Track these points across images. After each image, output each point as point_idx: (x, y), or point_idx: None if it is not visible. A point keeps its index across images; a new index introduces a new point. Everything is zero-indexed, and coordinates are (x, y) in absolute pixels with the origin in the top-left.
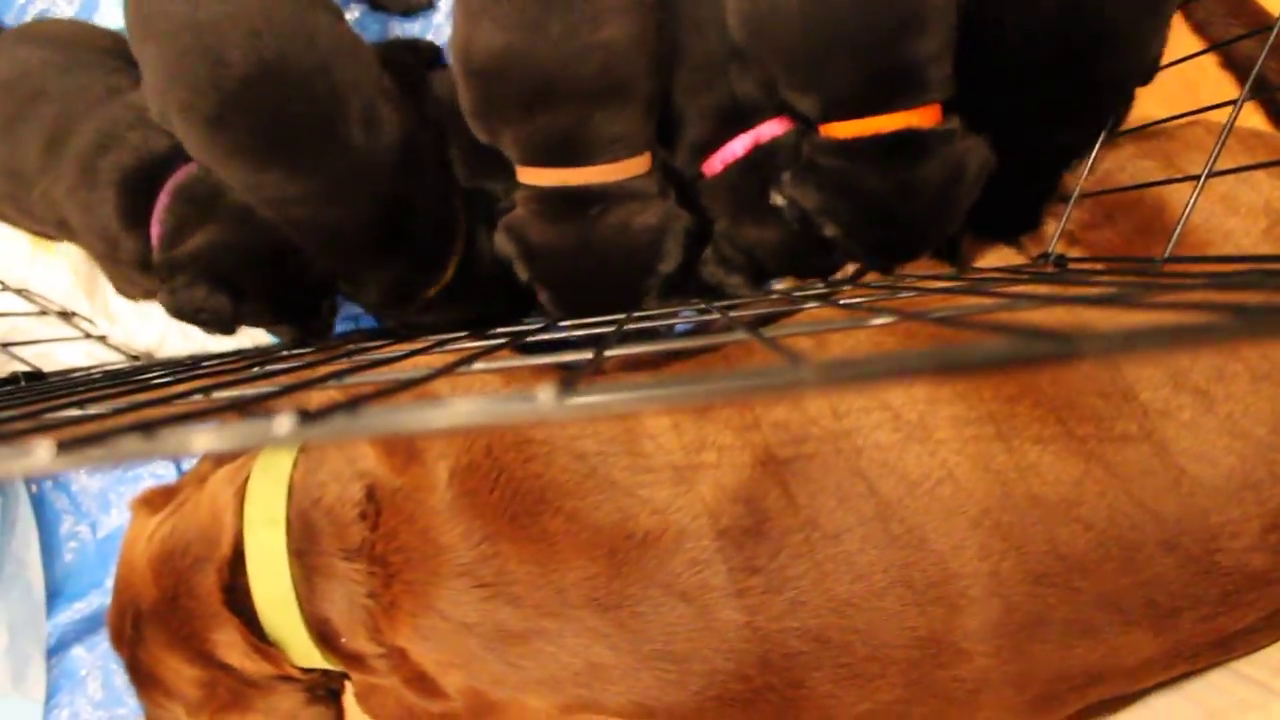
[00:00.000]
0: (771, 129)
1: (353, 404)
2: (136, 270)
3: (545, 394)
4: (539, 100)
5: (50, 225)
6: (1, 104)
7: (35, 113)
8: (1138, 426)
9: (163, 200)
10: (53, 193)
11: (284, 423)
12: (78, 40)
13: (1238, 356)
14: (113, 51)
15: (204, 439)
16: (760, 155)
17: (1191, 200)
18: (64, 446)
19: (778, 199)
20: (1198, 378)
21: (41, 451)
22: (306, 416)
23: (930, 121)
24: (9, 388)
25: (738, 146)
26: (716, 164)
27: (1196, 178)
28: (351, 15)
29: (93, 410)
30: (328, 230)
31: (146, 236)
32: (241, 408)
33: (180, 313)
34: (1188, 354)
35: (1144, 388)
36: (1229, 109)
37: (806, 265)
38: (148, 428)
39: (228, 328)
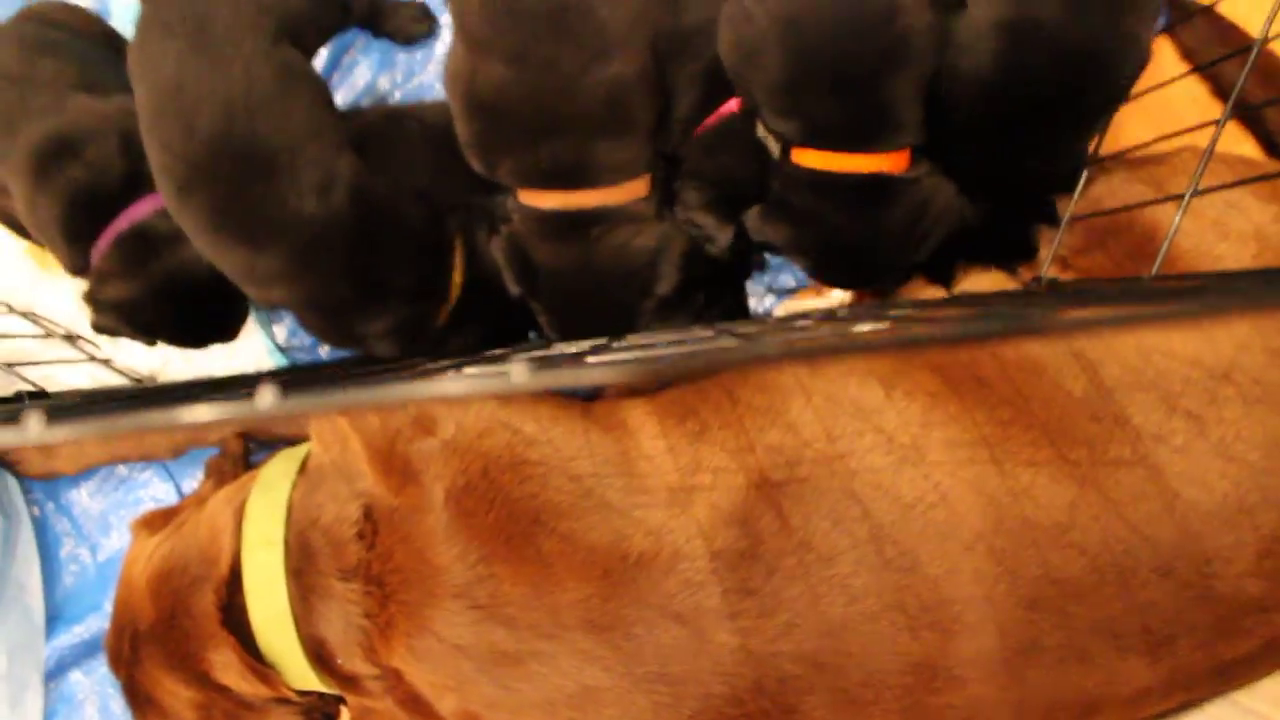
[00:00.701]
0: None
1: (334, 380)
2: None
3: (518, 369)
4: (543, 132)
5: None
6: None
7: None
8: (1131, 451)
9: (108, 238)
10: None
11: (266, 395)
12: (65, 24)
13: (1230, 380)
14: (101, 43)
15: (191, 413)
16: (754, 108)
17: (1177, 218)
18: (54, 417)
19: (763, 131)
20: (1190, 402)
21: (33, 422)
22: (288, 388)
23: (900, 167)
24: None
25: (731, 104)
26: (710, 121)
27: (1180, 197)
28: (355, 62)
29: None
30: (311, 303)
31: (86, 251)
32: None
33: (101, 332)
34: (1179, 377)
35: (1136, 412)
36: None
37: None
38: (140, 402)
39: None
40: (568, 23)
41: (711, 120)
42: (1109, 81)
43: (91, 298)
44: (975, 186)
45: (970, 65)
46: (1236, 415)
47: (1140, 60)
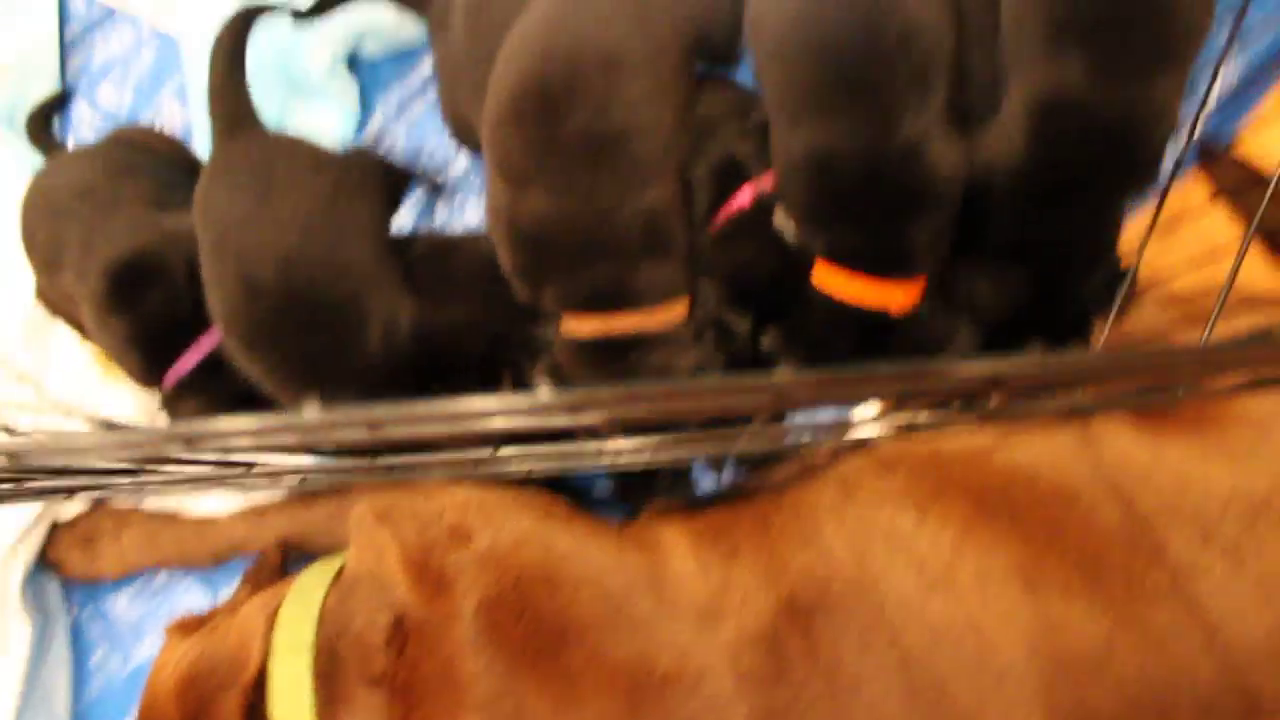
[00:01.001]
0: (772, 178)
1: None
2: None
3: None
4: (585, 259)
5: (60, 305)
6: (60, 197)
7: (76, 210)
8: (1169, 582)
9: (182, 368)
10: (76, 289)
11: (311, 410)
12: (148, 147)
13: (1270, 509)
14: (181, 168)
15: (231, 423)
16: (766, 201)
17: (1205, 338)
18: (113, 430)
19: (780, 221)
20: (1229, 533)
21: (90, 431)
22: (329, 407)
23: (910, 300)
24: None
25: (742, 198)
26: (722, 218)
27: (1205, 321)
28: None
29: None
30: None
31: (157, 369)
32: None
33: None
34: (1217, 507)
35: (1174, 542)
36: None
37: (786, 290)
38: (190, 438)
39: None
40: (605, 155)
41: (722, 216)
42: (1140, 150)
43: (169, 409)
44: (1011, 268)
45: (1004, 150)
46: (1277, 548)
47: (1169, 128)
